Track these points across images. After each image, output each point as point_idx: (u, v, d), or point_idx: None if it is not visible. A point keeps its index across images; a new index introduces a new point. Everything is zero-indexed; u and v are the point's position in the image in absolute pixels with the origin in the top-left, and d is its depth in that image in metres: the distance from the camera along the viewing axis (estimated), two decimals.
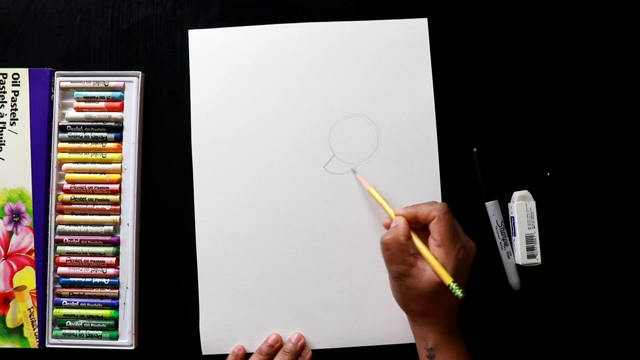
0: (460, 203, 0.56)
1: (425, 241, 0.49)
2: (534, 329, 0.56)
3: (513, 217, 0.55)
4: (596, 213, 0.56)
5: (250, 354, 0.55)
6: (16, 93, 0.56)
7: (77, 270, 0.56)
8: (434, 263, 0.47)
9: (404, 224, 0.49)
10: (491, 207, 0.55)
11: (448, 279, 0.46)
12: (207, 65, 0.57)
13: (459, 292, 0.45)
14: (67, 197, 0.56)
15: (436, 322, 0.49)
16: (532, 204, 0.54)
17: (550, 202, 0.56)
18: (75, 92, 0.57)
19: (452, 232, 0.48)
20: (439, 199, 0.56)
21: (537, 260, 0.54)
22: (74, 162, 0.56)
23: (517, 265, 0.55)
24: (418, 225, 0.51)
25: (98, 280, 0.56)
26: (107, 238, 0.56)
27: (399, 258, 0.48)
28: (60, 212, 0.56)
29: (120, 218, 0.56)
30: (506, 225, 0.56)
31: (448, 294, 0.47)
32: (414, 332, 0.51)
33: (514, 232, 0.55)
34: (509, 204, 0.55)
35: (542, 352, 0.56)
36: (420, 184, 0.56)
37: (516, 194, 0.55)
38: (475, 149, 0.55)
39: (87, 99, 0.57)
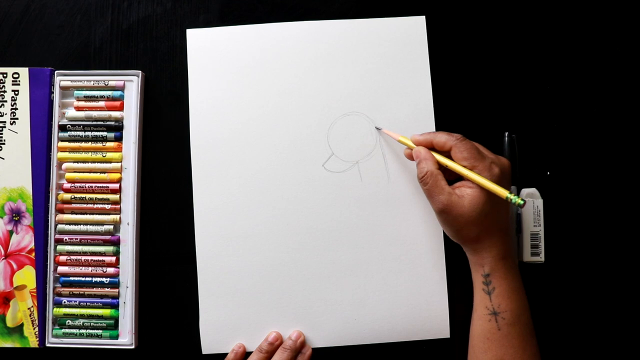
0: None
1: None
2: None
3: (519, 214, 0.55)
4: (596, 213, 0.56)
5: (251, 352, 0.55)
6: (16, 92, 0.56)
7: (77, 269, 0.56)
8: (478, 179, 0.47)
9: (429, 154, 0.50)
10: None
11: (503, 192, 0.46)
12: (206, 65, 0.57)
13: (519, 201, 0.45)
14: (67, 196, 0.56)
15: (492, 246, 0.49)
16: (540, 202, 0.54)
17: (551, 202, 0.56)
18: (75, 92, 0.57)
19: (476, 152, 0.48)
20: None
21: (541, 258, 0.54)
22: (74, 162, 0.57)
23: (520, 262, 0.55)
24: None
25: (98, 279, 0.56)
26: (107, 237, 0.56)
27: (439, 189, 0.49)
28: (60, 211, 0.56)
29: (120, 217, 0.56)
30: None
31: (496, 212, 0.47)
32: (471, 262, 0.51)
33: (520, 228, 0.55)
34: None
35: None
36: None
37: (524, 191, 0.55)
38: (507, 133, 0.56)
39: (87, 98, 0.57)
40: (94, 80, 0.57)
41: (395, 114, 0.56)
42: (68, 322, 0.55)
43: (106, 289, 0.56)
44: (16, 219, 0.56)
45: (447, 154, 0.50)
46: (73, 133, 0.56)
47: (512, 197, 0.45)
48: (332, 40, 0.57)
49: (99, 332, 0.55)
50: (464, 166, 0.49)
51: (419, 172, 0.50)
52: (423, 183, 0.50)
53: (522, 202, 0.45)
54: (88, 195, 0.56)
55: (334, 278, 0.55)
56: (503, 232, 0.50)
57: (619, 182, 0.56)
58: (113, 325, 0.55)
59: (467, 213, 0.48)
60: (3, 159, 0.56)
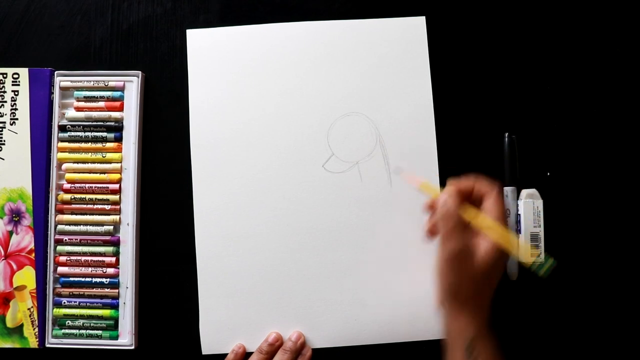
0: None
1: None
2: (525, 321, 0.56)
3: (519, 214, 0.55)
4: (596, 213, 0.56)
5: (251, 352, 0.55)
6: (16, 93, 0.56)
7: (77, 270, 0.56)
8: (504, 234, 0.45)
9: (456, 195, 0.48)
10: (510, 193, 0.55)
11: (529, 253, 0.45)
12: (206, 65, 0.57)
13: (545, 267, 0.44)
14: (67, 196, 0.56)
15: (477, 312, 0.47)
16: (540, 202, 0.54)
17: (551, 202, 0.56)
18: (75, 92, 0.57)
19: (504, 212, 0.48)
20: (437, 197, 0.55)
21: (541, 259, 0.54)
22: (74, 162, 0.57)
23: (520, 263, 0.55)
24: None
25: (98, 280, 0.56)
26: (107, 238, 0.56)
27: (457, 233, 0.46)
28: (60, 211, 0.56)
29: (120, 218, 0.56)
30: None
31: (496, 274, 0.46)
32: (450, 330, 0.48)
33: (520, 229, 0.55)
34: (518, 201, 0.56)
35: (532, 346, 0.56)
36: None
37: (524, 192, 0.55)
38: (507, 134, 0.56)
39: (87, 99, 0.57)
40: (93, 81, 0.57)
41: (396, 114, 0.56)
42: (68, 323, 0.55)
43: (106, 290, 0.56)
44: (16, 219, 0.56)
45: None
46: (73, 133, 0.56)
47: (538, 260, 0.44)
48: (333, 40, 0.57)
49: (99, 332, 0.55)
50: (490, 217, 0.47)
51: (442, 208, 0.47)
52: (444, 221, 0.47)
53: (544, 272, 0.44)
54: (88, 196, 0.56)
55: (334, 278, 0.55)
56: (489, 299, 0.48)
57: (619, 182, 0.56)
58: (113, 326, 0.55)
59: (476, 265, 0.46)
60: (3, 159, 0.56)
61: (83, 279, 0.56)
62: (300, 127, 0.56)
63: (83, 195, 0.56)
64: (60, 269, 0.56)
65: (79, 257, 0.56)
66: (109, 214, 0.56)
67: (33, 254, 0.56)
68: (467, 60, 0.57)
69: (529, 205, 0.54)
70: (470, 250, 0.47)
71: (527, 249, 0.45)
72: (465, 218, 0.48)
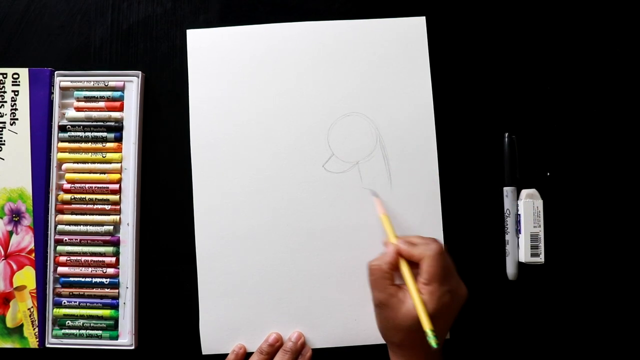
0: (459, 201, 0.56)
1: (415, 275, 0.48)
2: (524, 322, 0.56)
3: (519, 214, 0.55)
4: (596, 213, 0.56)
5: (251, 353, 0.55)
6: (16, 93, 0.56)
7: (77, 270, 0.56)
8: (416, 300, 0.46)
9: (393, 254, 0.49)
10: (510, 193, 0.55)
11: (427, 325, 0.44)
12: (206, 65, 0.57)
13: (432, 342, 0.43)
14: (67, 196, 0.56)
15: (413, 357, 0.48)
16: (540, 202, 0.54)
17: (551, 202, 0.56)
18: (75, 92, 0.57)
19: (441, 274, 0.46)
20: (437, 197, 0.55)
21: (541, 259, 0.54)
22: (74, 162, 0.57)
23: (520, 262, 0.55)
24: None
25: (98, 280, 0.56)
26: (107, 238, 0.56)
27: (381, 285, 0.48)
28: (60, 211, 0.56)
29: (120, 218, 0.56)
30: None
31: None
32: None
33: (520, 229, 0.55)
34: (518, 201, 0.55)
35: (532, 346, 0.56)
36: (419, 181, 0.56)
37: (524, 192, 0.55)
38: (507, 134, 0.56)
39: (87, 99, 0.57)
40: (93, 81, 0.57)
41: (396, 114, 0.56)
42: (68, 323, 0.55)
43: (106, 290, 0.56)
44: (16, 219, 0.56)
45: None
46: (73, 133, 0.56)
47: (430, 333, 0.44)
48: (333, 40, 0.57)
49: (99, 332, 0.55)
50: (422, 277, 0.47)
51: (372, 261, 0.50)
52: (370, 273, 0.49)
53: (434, 345, 0.43)
54: (88, 196, 0.56)
55: (334, 278, 0.55)
56: (428, 349, 0.45)
57: (619, 183, 0.56)
58: (113, 326, 0.55)
59: (399, 319, 0.47)
60: (3, 159, 0.56)
61: (83, 279, 0.56)
62: (300, 127, 0.56)
63: (83, 195, 0.56)
64: (60, 269, 0.56)
65: (79, 257, 0.56)
66: (109, 214, 0.56)
67: (33, 254, 0.56)
68: (467, 60, 0.57)
69: (529, 205, 0.55)
70: (392, 303, 0.47)
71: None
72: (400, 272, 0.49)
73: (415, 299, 0.46)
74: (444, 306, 0.46)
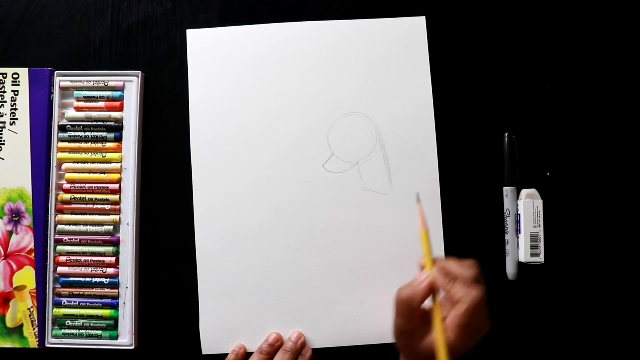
0: (458, 201, 0.56)
1: (445, 303, 0.46)
2: (525, 322, 0.56)
3: (519, 214, 0.55)
4: (596, 213, 0.56)
5: (251, 353, 0.55)
6: (16, 93, 0.56)
7: (77, 270, 0.56)
8: (440, 345, 0.44)
9: (427, 288, 0.46)
10: (510, 193, 0.55)
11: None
12: (206, 65, 0.57)
13: None
14: (67, 197, 0.56)
15: None
16: (540, 202, 0.55)
17: (551, 202, 0.56)
18: (75, 92, 0.57)
19: (473, 324, 0.44)
20: (438, 196, 0.55)
21: (541, 259, 0.54)
22: (74, 162, 0.57)
23: (520, 262, 0.55)
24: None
25: (98, 280, 0.56)
26: (107, 238, 0.56)
27: (408, 315, 0.46)
28: (60, 211, 0.56)
29: (120, 218, 0.56)
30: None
31: None
32: None
33: (520, 229, 0.55)
34: (518, 201, 0.56)
35: (532, 346, 0.56)
36: (419, 181, 0.56)
37: (524, 192, 0.55)
38: (507, 134, 0.56)
39: (87, 99, 0.57)
40: (93, 81, 0.57)
41: (396, 114, 0.56)
42: (68, 323, 0.55)
43: (106, 290, 0.56)
44: (16, 219, 0.56)
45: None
46: (73, 133, 0.56)
47: None
48: (333, 40, 0.57)
49: (99, 332, 0.55)
50: (453, 320, 0.44)
51: (403, 291, 0.46)
52: (398, 302, 0.46)
53: None
54: (88, 196, 0.56)
55: (334, 278, 0.55)
56: None
57: (619, 183, 0.56)
58: (113, 326, 0.55)
59: (419, 349, 0.46)
60: (3, 159, 0.56)
61: (83, 279, 0.56)
62: (300, 127, 0.56)
63: (83, 195, 0.56)
64: (60, 269, 0.56)
65: (79, 257, 0.56)
66: (109, 214, 0.56)
67: (33, 254, 0.56)
68: (467, 60, 0.57)
69: (529, 205, 0.55)
70: (416, 333, 0.46)
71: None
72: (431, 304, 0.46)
73: (440, 345, 0.44)
74: (466, 346, 0.45)
